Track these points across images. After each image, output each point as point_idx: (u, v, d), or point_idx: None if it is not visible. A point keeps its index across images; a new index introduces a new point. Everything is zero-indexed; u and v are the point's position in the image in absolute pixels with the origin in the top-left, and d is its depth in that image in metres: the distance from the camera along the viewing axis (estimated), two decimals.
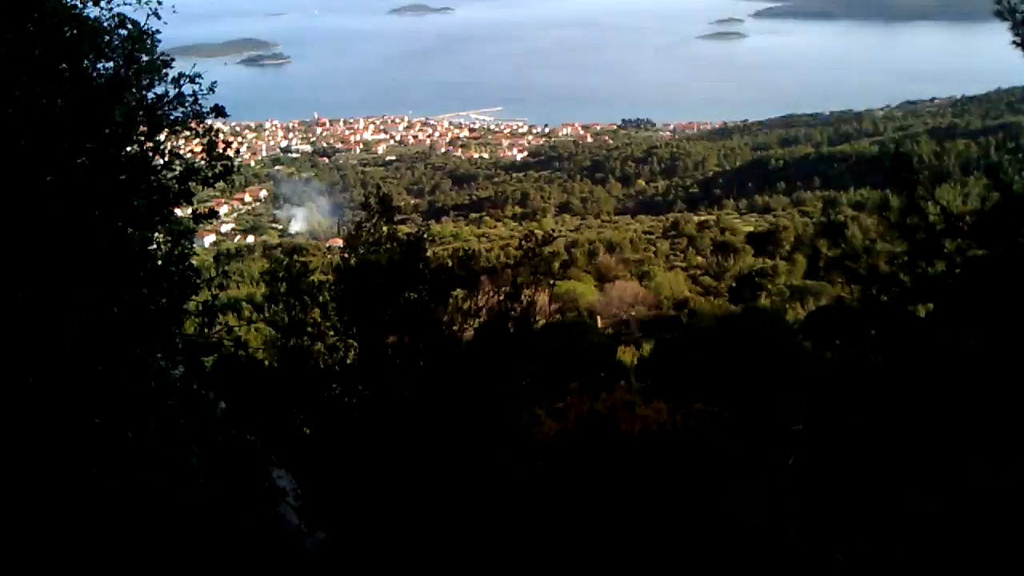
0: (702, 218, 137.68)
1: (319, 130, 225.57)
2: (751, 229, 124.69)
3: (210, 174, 4.89)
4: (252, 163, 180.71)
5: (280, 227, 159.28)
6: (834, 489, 34.99)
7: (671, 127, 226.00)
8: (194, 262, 4.65)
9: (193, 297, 4.74)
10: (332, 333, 10.33)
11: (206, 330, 4.89)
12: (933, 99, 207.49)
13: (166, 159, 4.74)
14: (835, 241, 11.11)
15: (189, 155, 5.07)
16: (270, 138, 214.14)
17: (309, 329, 10.35)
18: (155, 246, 4.68)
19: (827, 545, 27.95)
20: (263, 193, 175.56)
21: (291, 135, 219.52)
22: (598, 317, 77.34)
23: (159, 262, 4.54)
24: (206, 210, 4.89)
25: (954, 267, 9.46)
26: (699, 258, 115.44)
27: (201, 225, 5.09)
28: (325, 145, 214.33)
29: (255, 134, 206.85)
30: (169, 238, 4.90)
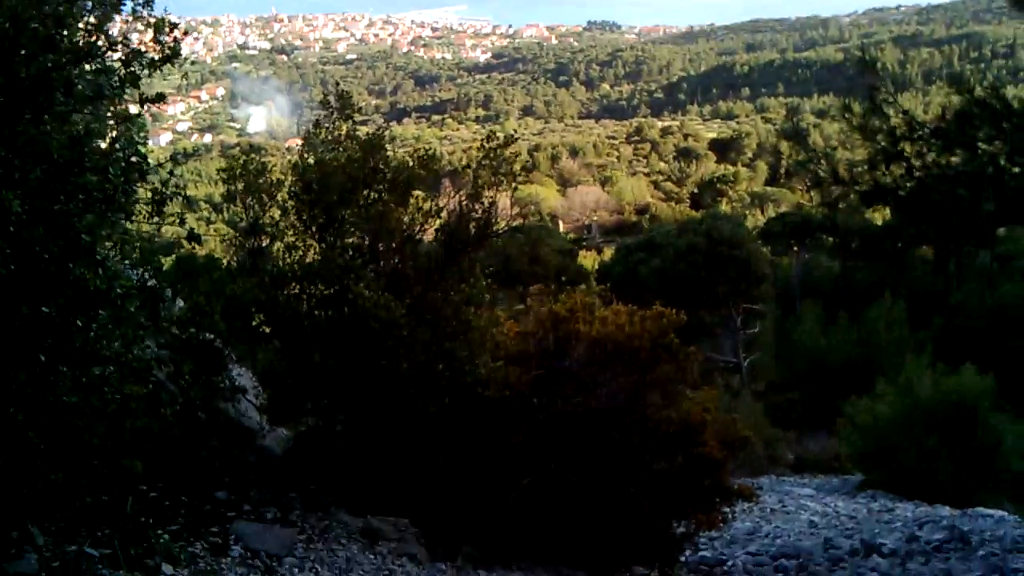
0: (666, 124, 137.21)
1: (277, 26, 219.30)
2: (714, 135, 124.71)
3: (157, 57, 4.73)
4: (208, 60, 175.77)
5: (238, 126, 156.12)
6: (787, 391, 35.69)
7: (636, 30, 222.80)
8: (143, 148, 4.52)
9: (143, 184, 4.62)
10: (291, 232, 10.23)
11: (156, 217, 4.79)
12: (899, 7, 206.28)
13: (110, 42, 4.57)
14: (797, 145, 11.12)
15: (136, 40, 4.87)
16: (226, 34, 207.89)
17: (267, 228, 10.25)
18: (101, 131, 4.54)
19: (774, 444, 28.67)
20: (220, 91, 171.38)
21: (248, 31, 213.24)
22: (560, 222, 77.55)
23: (105, 147, 4.42)
24: (153, 95, 4.72)
25: (912, 171, 9.54)
26: (662, 164, 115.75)
27: (151, 112, 4.92)
28: (284, 42, 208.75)
29: (211, 29, 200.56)
30: (115, 122, 4.75)
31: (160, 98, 4.76)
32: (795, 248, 51.19)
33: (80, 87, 4.38)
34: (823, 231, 48.77)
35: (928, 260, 49.44)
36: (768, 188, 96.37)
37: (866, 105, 9.93)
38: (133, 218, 4.67)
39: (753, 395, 34.17)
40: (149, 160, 4.54)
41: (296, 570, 7.37)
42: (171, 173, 4.96)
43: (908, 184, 9.80)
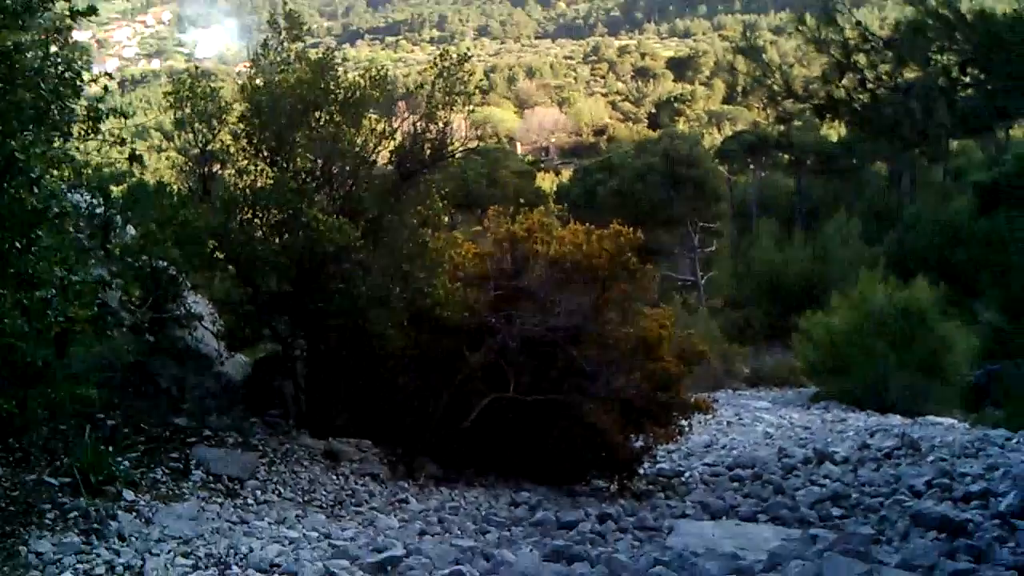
0: (623, 43, 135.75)
1: None
2: (671, 54, 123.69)
3: None
4: None
5: (186, 51, 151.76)
6: (744, 308, 36.15)
7: None
8: (78, 66, 4.35)
9: (76, 101, 4.45)
10: (241, 157, 10.04)
11: (93, 135, 4.64)
12: None
13: None
14: (752, 61, 11.04)
15: None
16: None
17: (218, 154, 10.05)
18: (32, 47, 4.37)
19: (730, 359, 29.16)
20: (167, 15, 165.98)
21: None
22: (518, 144, 77.01)
23: (36, 63, 4.26)
24: (85, 7, 4.52)
25: (865, 83, 9.53)
26: (619, 84, 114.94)
27: (96, 38, 4.75)
28: None
29: None
30: (47, 37, 4.57)
31: (91, 10, 4.58)
32: (751, 166, 51.42)
33: (8, 2, 4.20)
34: (779, 149, 48.97)
35: (882, 176, 49.98)
36: (725, 107, 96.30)
37: (820, 17, 9.86)
38: (71, 138, 4.53)
39: (710, 312, 34.65)
40: (83, 76, 4.38)
41: (259, 492, 7.43)
42: (106, 89, 4.80)
43: (861, 97, 9.80)
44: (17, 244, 4.12)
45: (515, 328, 10.72)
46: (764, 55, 11.42)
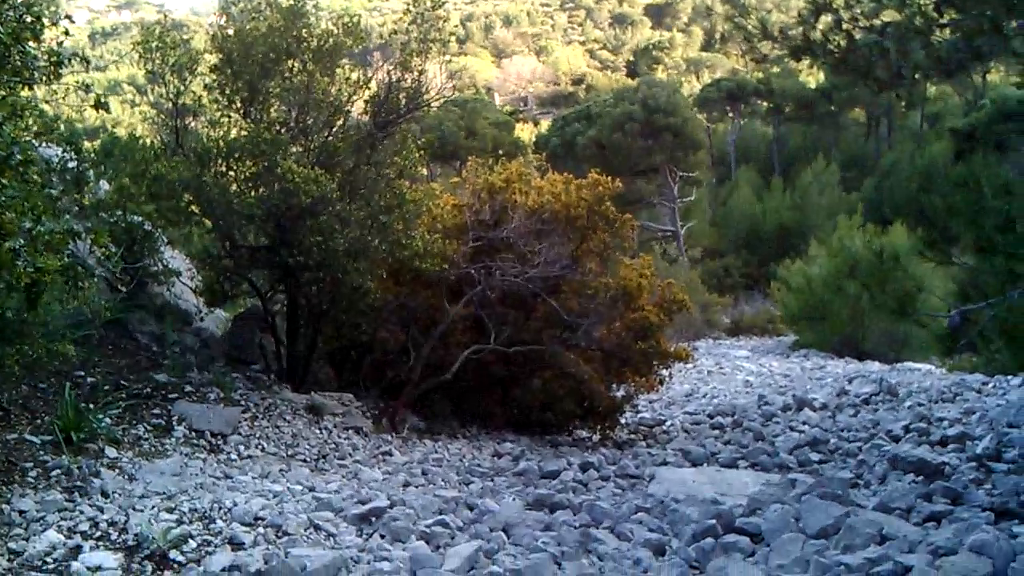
0: None
1: None
2: (649, 1, 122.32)
3: None
4: None
5: (157, 2, 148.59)
6: (723, 257, 36.25)
7: None
8: (36, 8, 4.20)
9: (35, 45, 4.31)
10: (214, 107, 9.87)
11: (54, 79, 4.51)
12: None
13: None
14: (730, 6, 10.95)
15: None
16: None
17: (190, 106, 9.88)
18: None
19: (710, 309, 29.25)
20: None
21: None
22: (496, 94, 76.34)
23: None
24: None
25: (840, 24, 9.46)
26: (597, 32, 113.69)
27: None
28: None
29: None
30: None
31: None
32: (730, 114, 51.21)
33: None
34: (758, 96, 48.75)
35: (860, 123, 49.94)
36: (704, 54, 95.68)
37: None
38: (32, 85, 4.41)
39: (690, 262, 34.75)
40: (43, 21, 4.25)
41: (242, 447, 7.42)
42: (67, 32, 4.66)
43: (837, 38, 9.75)
44: None
45: (495, 279, 10.71)
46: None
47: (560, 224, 11.34)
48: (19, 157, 4.05)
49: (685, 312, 12.69)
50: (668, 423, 12.45)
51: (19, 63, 4.17)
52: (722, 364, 20.43)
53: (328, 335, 10.60)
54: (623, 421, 11.96)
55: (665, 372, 11.91)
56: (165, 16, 11.20)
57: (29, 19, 4.17)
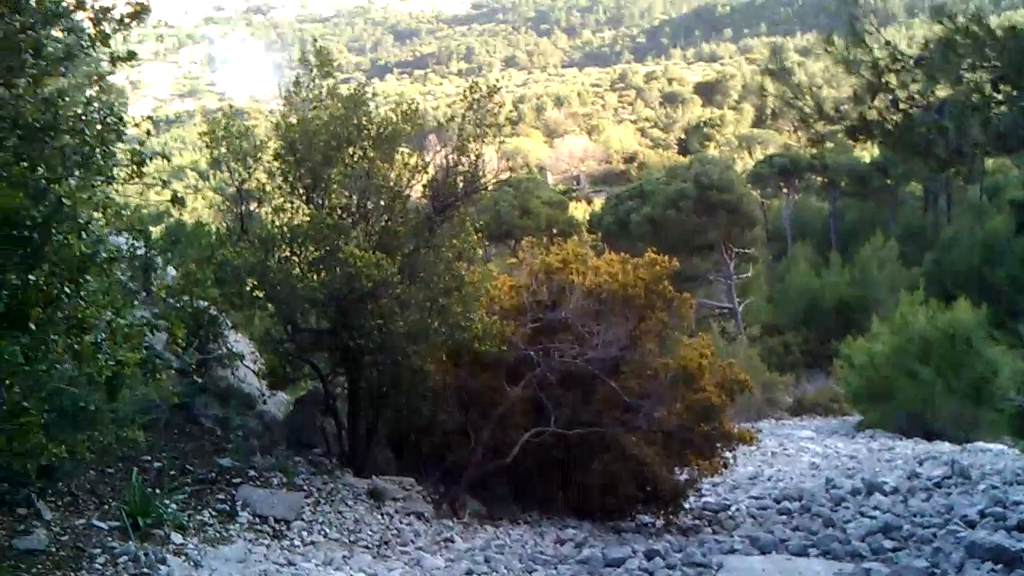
0: (649, 69, 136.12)
1: None
2: (699, 79, 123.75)
3: (125, 14, 4.60)
4: (183, 23, 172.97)
5: (218, 90, 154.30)
6: (783, 334, 35.66)
7: None
8: (119, 110, 4.41)
9: (120, 145, 4.51)
10: (277, 194, 10.13)
11: (137, 179, 4.69)
12: None
13: (78, 1, 4.43)
14: (781, 83, 10.99)
15: None
16: None
17: (254, 192, 10.15)
18: (74, 94, 4.44)
19: (772, 387, 28.80)
20: (198, 55, 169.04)
21: None
22: (548, 173, 77.18)
23: (79, 110, 4.32)
24: (125, 53, 4.60)
25: (897, 104, 9.43)
26: (647, 110, 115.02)
27: (129, 77, 4.82)
28: (260, 2, 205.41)
29: None
30: (89, 83, 4.65)
31: (131, 56, 4.65)
32: (784, 190, 51.06)
33: (50, 48, 4.27)
34: (812, 171, 48.60)
35: (918, 196, 49.41)
36: (755, 130, 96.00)
37: (849, 38, 9.81)
38: (114, 182, 4.59)
39: (749, 339, 34.27)
40: (125, 121, 4.44)
41: (305, 533, 7.41)
42: (149, 132, 4.87)
43: (893, 117, 9.71)
44: (66, 289, 4.16)
45: (553, 361, 10.67)
46: (793, 77, 11.36)
47: (618, 304, 11.30)
48: (104, 255, 4.19)
49: (747, 392, 12.49)
50: (733, 508, 12.14)
51: (102, 162, 4.34)
52: (786, 445, 19.96)
53: (388, 418, 10.60)
54: (687, 506, 11.71)
55: (728, 454, 11.67)
56: (230, 106, 11.57)
57: (111, 120, 4.35)
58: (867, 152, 49.45)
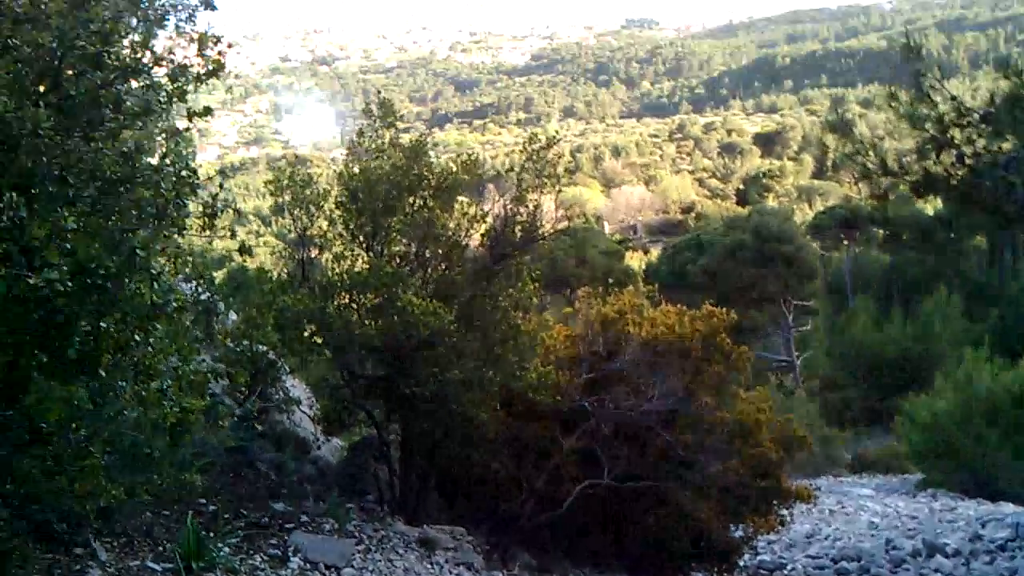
0: (708, 120, 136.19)
1: (318, 37, 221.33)
2: (758, 130, 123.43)
3: (202, 71, 4.77)
4: (251, 73, 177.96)
5: (283, 139, 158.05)
6: (842, 389, 35.04)
7: (675, 26, 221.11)
8: (192, 163, 4.58)
9: (193, 198, 4.67)
10: (338, 242, 10.29)
11: (208, 231, 4.85)
12: None
13: (156, 58, 4.63)
14: (843, 137, 10.93)
15: (181, 54, 4.94)
16: (268, 47, 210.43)
17: (316, 239, 10.33)
18: (151, 147, 4.61)
19: (831, 443, 28.20)
20: (264, 104, 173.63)
21: (289, 43, 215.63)
22: (605, 222, 77.32)
23: (155, 163, 4.48)
24: (201, 109, 4.77)
25: (963, 159, 9.31)
26: (706, 161, 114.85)
27: (198, 128, 4.97)
28: (324, 53, 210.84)
29: (253, 42, 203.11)
30: (164, 136, 4.82)
31: (207, 112, 4.81)
32: (845, 242, 50.38)
33: (128, 103, 4.44)
34: (873, 223, 47.91)
35: (982, 250, 48.36)
36: (815, 181, 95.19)
37: (912, 92, 9.73)
38: (185, 232, 4.73)
39: (808, 393, 33.66)
40: (199, 173, 4.59)
41: None
42: (221, 186, 5.02)
43: (959, 173, 9.58)
44: (136, 337, 4.28)
45: (608, 412, 10.59)
46: (854, 129, 11.28)
47: (674, 356, 11.20)
48: (174, 304, 4.31)
49: (805, 447, 12.26)
50: (789, 567, 11.86)
51: (175, 214, 4.48)
52: (845, 503, 19.48)
53: (441, 466, 10.59)
54: (741, 563, 11.46)
55: (785, 512, 11.43)
56: (295, 155, 11.82)
57: (186, 173, 4.50)
58: (930, 204, 48.67)
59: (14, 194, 3.55)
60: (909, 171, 9.78)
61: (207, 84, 4.84)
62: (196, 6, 4.96)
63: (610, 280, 34.61)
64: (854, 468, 28.65)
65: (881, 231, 48.52)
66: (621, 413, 10.54)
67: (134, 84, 4.63)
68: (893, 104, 9.63)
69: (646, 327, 11.43)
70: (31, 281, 3.46)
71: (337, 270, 9.80)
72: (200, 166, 5.73)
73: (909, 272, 47.06)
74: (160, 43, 4.79)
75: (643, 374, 10.84)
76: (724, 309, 11.71)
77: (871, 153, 9.87)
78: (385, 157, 10.29)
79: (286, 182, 10.00)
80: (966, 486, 21.01)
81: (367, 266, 9.67)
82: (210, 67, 4.80)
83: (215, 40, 4.93)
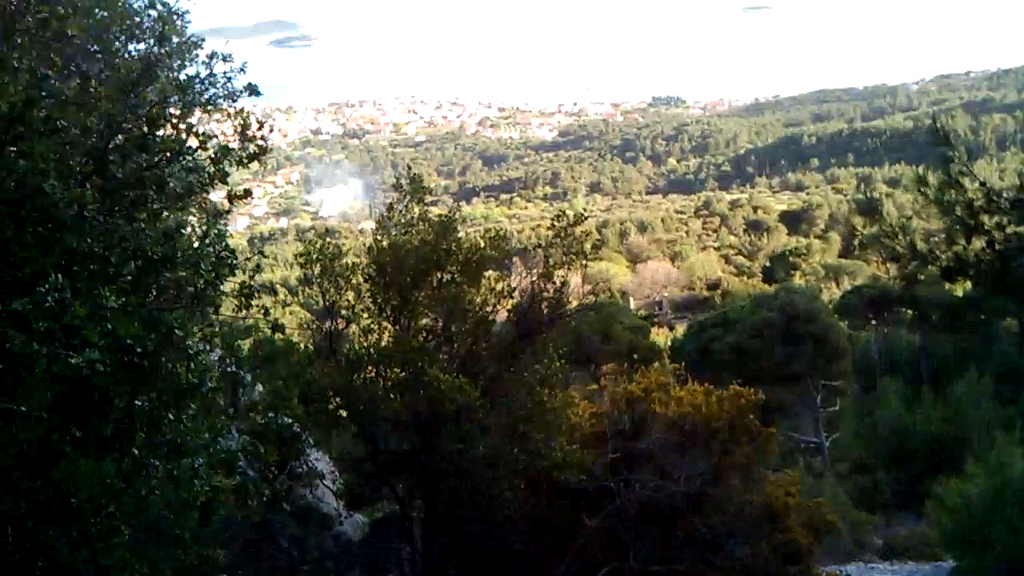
0: (734, 197, 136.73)
1: (349, 111, 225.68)
2: (784, 207, 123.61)
3: (244, 155, 4.89)
4: (283, 145, 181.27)
5: (312, 209, 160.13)
6: (872, 472, 34.35)
7: (701, 104, 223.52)
8: (230, 243, 4.67)
9: (230, 278, 4.75)
10: (366, 315, 10.36)
11: (243, 311, 4.92)
12: (968, 72, 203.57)
13: (200, 140, 4.76)
14: (871, 218, 10.95)
15: (222, 136, 5.08)
16: (300, 120, 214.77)
17: (343, 311, 10.39)
18: (190, 227, 4.72)
19: (861, 528, 27.57)
20: (295, 176, 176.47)
21: (321, 117, 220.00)
22: (630, 298, 77.20)
23: (195, 243, 4.57)
24: (241, 191, 4.90)
25: (993, 244, 9.29)
26: (732, 237, 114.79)
27: (236, 206, 5.09)
28: (355, 126, 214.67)
29: (285, 116, 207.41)
30: (204, 218, 4.93)
31: (247, 194, 4.92)
32: (873, 322, 49.90)
33: (171, 184, 4.55)
34: (902, 304, 47.47)
35: (1013, 332, 47.68)
36: (842, 260, 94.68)
37: (941, 177, 9.78)
38: (220, 312, 4.79)
39: (836, 476, 32.98)
40: (237, 255, 4.67)
41: None
42: (258, 267, 5.09)
43: (989, 257, 9.57)
44: (169, 415, 4.30)
45: (634, 493, 10.46)
46: (882, 207, 11.30)
47: (701, 436, 11.09)
48: (210, 384, 4.35)
49: (834, 532, 12.00)
50: None
51: (212, 294, 4.54)
52: None
53: (464, 544, 10.45)
54: None
55: None
56: (326, 228, 11.98)
57: (225, 254, 4.58)
58: (959, 286, 48.25)
59: (59, 275, 3.63)
60: (938, 255, 9.77)
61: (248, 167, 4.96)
62: (240, 91, 5.11)
63: (635, 356, 34.37)
64: (885, 554, 27.88)
65: (910, 311, 48.04)
66: (647, 494, 10.40)
67: (177, 167, 4.75)
68: (923, 189, 9.68)
69: (672, 406, 11.35)
70: (72, 361, 3.51)
71: (365, 344, 9.85)
72: (232, 236, 5.83)
73: (939, 353, 46.39)
74: (200, 120, 4.94)
75: (669, 454, 10.73)
76: (751, 389, 11.60)
77: (900, 236, 9.88)
78: (414, 231, 10.41)
79: (316, 255, 10.12)
80: (1000, 574, 20.38)
81: (393, 339, 9.72)
82: (252, 151, 4.92)
83: (260, 124, 5.07)
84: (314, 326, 10.90)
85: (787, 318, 35.10)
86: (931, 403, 37.05)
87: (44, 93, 3.87)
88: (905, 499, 33.42)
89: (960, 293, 46.92)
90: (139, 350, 3.87)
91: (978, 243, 9.28)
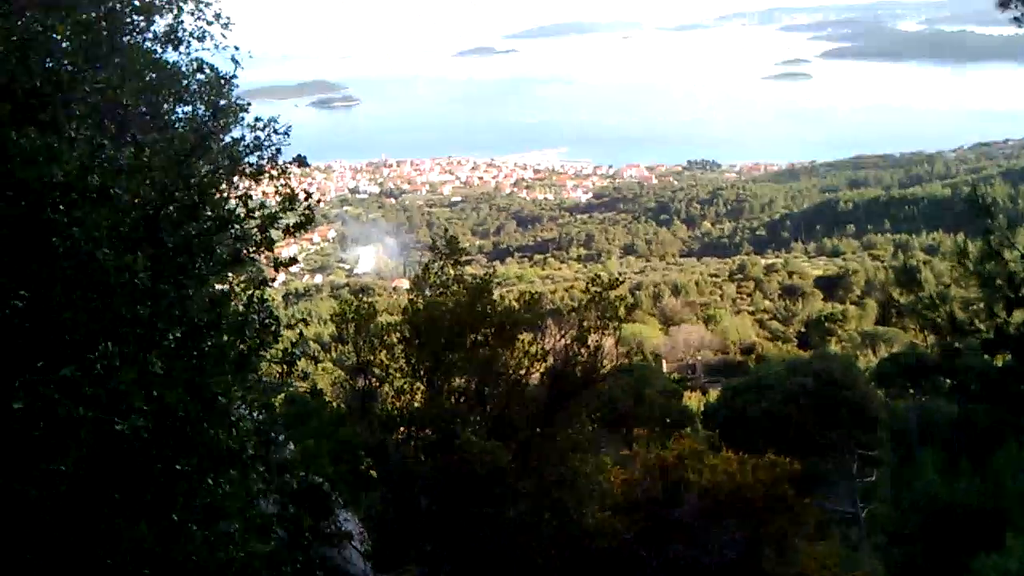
0: (769, 261, 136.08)
1: (386, 171, 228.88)
2: (820, 273, 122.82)
3: (291, 223, 5.01)
4: (321, 204, 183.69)
5: (348, 266, 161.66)
6: (909, 544, 33.58)
7: (737, 168, 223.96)
8: (278, 316, 4.75)
9: (276, 342, 4.83)
10: (399, 375, 10.39)
11: (286, 377, 4.98)
12: (1007, 140, 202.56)
13: (248, 208, 4.87)
14: (909, 287, 10.86)
15: (269, 201, 5.21)
16: (339, 179, 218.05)
17: (376, 371, 10.43)
18: (236, 293, 4.80)
19: None
20: (331, 233, 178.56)
21: (359, 176, 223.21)
22: (664, 361, 76.66)
23: (240, 309, 4.64)
24: (286, 258, 4.99)
25: None
26: (766, 302, 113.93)
27: (280, 273, 5.19)
28: (392, 186, 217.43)
29: (324, 175, 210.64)
30: (250, 284, 5.01)
31: (292, 262, 5.01)
32: (911, 390, 49.06)
33: (219, 251, 4.65)
34: (939, 373, 46.67)
35: None
36: (879, 327, 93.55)
37: (982, 248, 9.69)
38: (263, 377, 4.84)
39: (873, 548, 32.19)
40: (281, 321, 4.74)
41: None
42: (301, 334, 5.16)
43: None
44: (208, 480, 4.33)
45: (667, 562, 10.29)
46: (919, 275, 11.20)
47: (735, 506, 10.93)
48: (251, 451, 4.38)
49: None
50: None
51: (254, 360, 4.60)
52: None
53: None
54: None
55: None
56: (362, 288, 12.10)
57: (269, 321, 4.65)
58: (1000, 356, 47.37)
59: (110, 343, 3.70)
60: (979, 328, 9.66)
61: (294, 236, 5.05)
62: (288, 164, 5.24)
63: (668, 420, 34.04)
64: None
65: (948, 380, 47.21)
66: (680, 565, 10.23)
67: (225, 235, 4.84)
68: (963, 261, 9.59)
69: (706, 474, 11.22)
70: (117, 427, 3.56)
71: (398, 404, 9.88)
72: (272, 300, 5.92)
73: (977, 424, 45.43)
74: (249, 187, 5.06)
75: (703, 524, 10.57)
76: (787, 458, 11.45)
77: (940, 307, 9.79)
78: (449, 293, 10.49)
79: (351, 315, 10.22)
80: None
81: (425, 400, 9.73)
82: (300, 220, 5.03)
83: (307, 194, 5.19)
84: (346, 384, 10.93)
85: (823, 385, 34.58)
86: (969, 474, 36.21)
87: (99, 161, 4.00)
88: (943, 572, 32.50)
89: (1000, 363, 46.08)
90: (182, 415, 3.92)
91: (1019, 315, 9.15)
